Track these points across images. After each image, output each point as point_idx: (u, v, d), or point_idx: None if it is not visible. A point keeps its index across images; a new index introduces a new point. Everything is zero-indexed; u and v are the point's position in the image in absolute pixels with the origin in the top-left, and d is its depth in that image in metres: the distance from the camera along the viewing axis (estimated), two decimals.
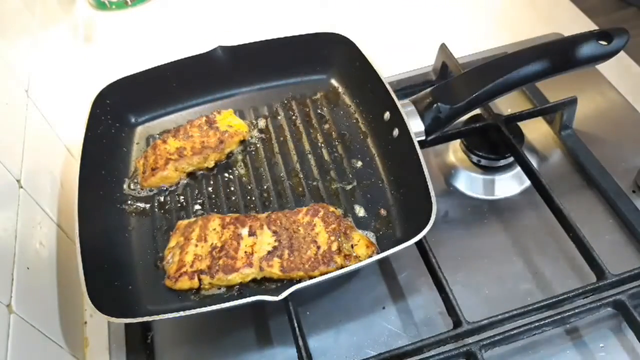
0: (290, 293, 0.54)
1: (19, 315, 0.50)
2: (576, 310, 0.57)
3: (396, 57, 0.91)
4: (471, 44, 0.90)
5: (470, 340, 0.56)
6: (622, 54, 0.89)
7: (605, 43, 0.66)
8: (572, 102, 0.74)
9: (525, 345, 0.59)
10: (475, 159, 0.75)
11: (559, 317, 0.57)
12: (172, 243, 0.65)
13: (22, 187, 0.59)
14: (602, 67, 0.86)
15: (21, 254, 0.55)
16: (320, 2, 1.07)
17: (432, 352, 0.56)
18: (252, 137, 0.77)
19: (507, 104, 0.83)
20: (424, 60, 0.87)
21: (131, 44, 1.02)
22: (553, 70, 0.66)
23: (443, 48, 0.83)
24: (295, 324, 0.57)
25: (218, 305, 0.54)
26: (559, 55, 0.66)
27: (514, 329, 0.56)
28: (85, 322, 0.66)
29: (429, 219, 0.57)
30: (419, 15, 1.02)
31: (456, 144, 0.78)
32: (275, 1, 1.07)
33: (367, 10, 1.04)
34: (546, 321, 0.56)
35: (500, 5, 1.03)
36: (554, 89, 0.81)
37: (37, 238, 0.60)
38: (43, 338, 0.54)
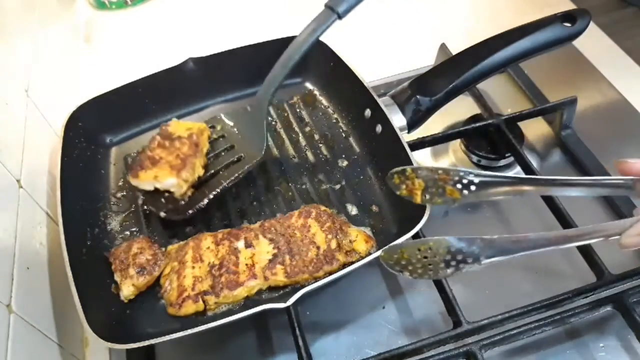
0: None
1: (19, 315, 0.50)
2: (576, 310, 0.57)
3: (396, 57, 0.91)
4: (471, 44, 0.90)
5: (470, 340, 0.56)
6: (622, 53, 0.90)
7: (569, 25, 0.68)
8: (572, 102, 0.74)
9: (525, 345, 0.59)
10: (475, 159, 0.75)
11: (559, 317, 0.57)
12: (166, 270, 0.61)
13: (22, 187, 0.59)
14: (602, 67, 0.86)
15: (21, 254, 0.55)
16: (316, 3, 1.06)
17: (432, 352, 0.56)
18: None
19: (507, 104, 0.83)
20: (424, 60, 0.87)
21: (131, 43, 1.02)
22: (523, 54, 0.69)
23: (443, 48, 0.83)
24: (296, 324, 0.56)
25: (227, 318, 0.53)
26: (527, 39, 0.68)
27: (514, 329, 0.56)
28: None
29: (425, 210, 0.57)
30: (418, 15, 1.02)
31: (456, 144, 0.78)
32: (276, 2, 1.07)
33: (367, 10, 1.04)
34: (546, 321, 0.56)
35: (500, 5, 1.03)
36: (554, 89, 0.81)
37: (37, 238, 0.60)
38: (43, 338, 0.54)
